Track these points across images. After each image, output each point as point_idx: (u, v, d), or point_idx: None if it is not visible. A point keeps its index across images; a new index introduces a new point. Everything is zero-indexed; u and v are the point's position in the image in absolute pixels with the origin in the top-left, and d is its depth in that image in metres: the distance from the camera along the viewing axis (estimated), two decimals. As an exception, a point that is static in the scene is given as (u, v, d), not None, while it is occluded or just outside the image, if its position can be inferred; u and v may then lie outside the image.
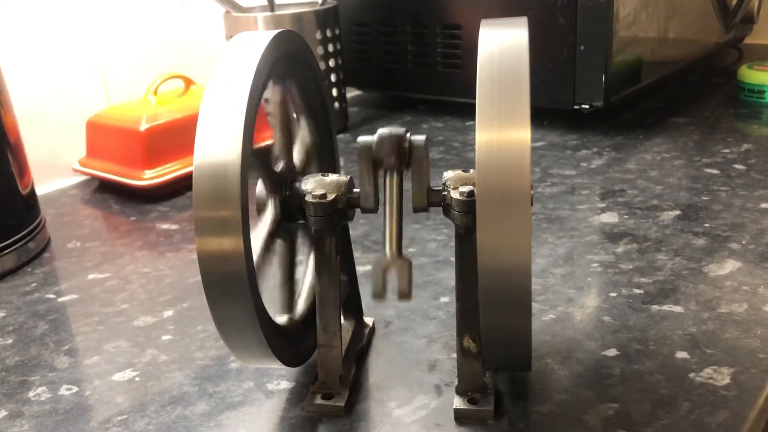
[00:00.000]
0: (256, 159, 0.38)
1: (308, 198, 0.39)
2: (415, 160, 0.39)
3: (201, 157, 0.34)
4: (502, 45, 0.35)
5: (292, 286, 0.44)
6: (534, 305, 0.50)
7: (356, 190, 0.41)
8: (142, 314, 0.53)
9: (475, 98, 0.34)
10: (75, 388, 0.45)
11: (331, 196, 0.39)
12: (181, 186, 0.77)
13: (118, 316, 0.53)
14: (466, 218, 0.38)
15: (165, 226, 0.69)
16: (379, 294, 0.35)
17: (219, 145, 0.34)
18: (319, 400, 0.41)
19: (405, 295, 0.35)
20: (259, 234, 0.40)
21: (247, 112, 0.34)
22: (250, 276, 0.35)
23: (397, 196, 0.39)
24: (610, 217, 0.63)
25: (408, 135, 0.39)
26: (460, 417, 0.40)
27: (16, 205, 0.63)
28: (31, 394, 0.45)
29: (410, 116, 0.98)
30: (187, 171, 0.76)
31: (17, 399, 0.44)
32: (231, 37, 0.86)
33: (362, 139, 0.39)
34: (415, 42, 0.95)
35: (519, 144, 0.33)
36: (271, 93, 0.41)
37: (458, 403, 0.40)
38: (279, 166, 0.41)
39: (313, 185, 0.40)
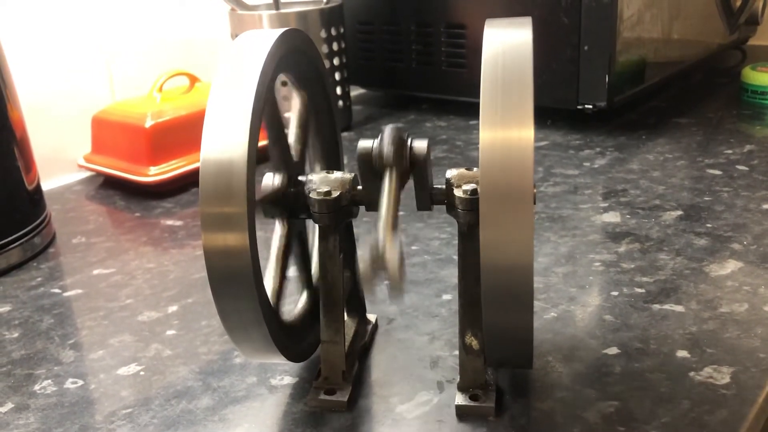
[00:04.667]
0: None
1: (313, 195, 0.40)
2: (417, 163, 0.39)
3: (208, 153, 0.35)
4: (507, 45, 0.35)
5: (309, 271, 0.45)
6: (536, 303, 0.50)
7: (360, 187, 0.41)
8: (146, 309, 0.53)
9: (479, 97, 0.34)
10: (80, 382, 0.45)
11: (335, 193, 0.40)
12: (186, 182, 0.77)
13: (122, 310, 0.54)
14: (469, 216, 0.38)
15: (169, 222, 0.69)
16: (369, 281, 0.35)
17: (226, 142, 0.34)
18: (322, 396, 0.41)
19: (397, 291, 0.35)
20: (273, 252, 0.41)
21: (253, 110, 0.35)
22: (255, 272, 0.35)
23: (395, 192, 0.38)
24: (612, 217, 0.63)
25: (409, 139, 0.39)
26: (461, 413, 0.40)
27: (22, 200, 0.63)
28: (36, 387, 0.45)
29: (414, 115, 0.99)
30: (191, 168, 0.76)
31: (23, 392, 0.45)
32: (236, 35, 0.86)
33: (363, 144, 0.39)
34: (419, 41, 0.96)
35: (522, 143, 0.33)
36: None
37: (460, 399, 0.40)
38: (281, 171, 0.41)
39: (317, 183, 0.40)
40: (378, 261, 0.34)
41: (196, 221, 0.68)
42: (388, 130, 0.39)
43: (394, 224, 0.37)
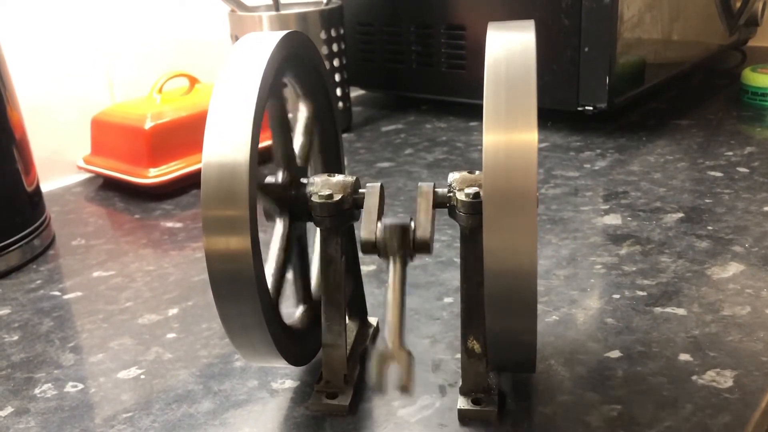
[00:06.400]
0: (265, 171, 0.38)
1: (314, 198, 0.39)
2: (422, 249, 0.39)
3: (210, 156, 0.34)
4: (510, 48, 0.35)
5: (307, 281, 0.45)
6: (537, 307, 0.50)
7: (362, 190, 0.41)
8: (146, 312, 0.53)
9: (479, 99, 0.34)
10: (80, 386, 0.45)
11: (337, 197, 0.39)
12: (186, 184, 0.77)
13: (122, 313, 0.53)
14: (471, 220, 0.38)
15: (169, 224, 0.69)
16: (379, 386, 0.35)
17: (228, 145, 0.34)
18: (323, 399, 0.41)
19: (406, 389, 0.34)
20: (272, 251, 0.40)
21: (255, 113, 0.35)
22: (257, 275, 0.35)
23: (400, 284, 0.38)
24: (613, 219, 0.63)
25: (412, 226, 0.39)
26: (463, 417, 0.40)
27: (22, 202, 0.63)
28: (36, 390, 0.45)
29: (413, 116, 0.98)
30: (191, 169, 0.76)
31: (23, 396, 0.45)
32: (236, 36, 0.86)
33: (366, 236, 0.39)
34: (419, 42, 0.95)
35: (526, 147, 0.33)
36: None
37: (462, 403, 0.40)
38: (283, 169, 0.41)
39: (319, 186, 0.40)
40: (387, 360, 0.34)
41: (196, 223, 0.68)
42: (388, 222, 0.39)
43: (401, 322, 0.36)
